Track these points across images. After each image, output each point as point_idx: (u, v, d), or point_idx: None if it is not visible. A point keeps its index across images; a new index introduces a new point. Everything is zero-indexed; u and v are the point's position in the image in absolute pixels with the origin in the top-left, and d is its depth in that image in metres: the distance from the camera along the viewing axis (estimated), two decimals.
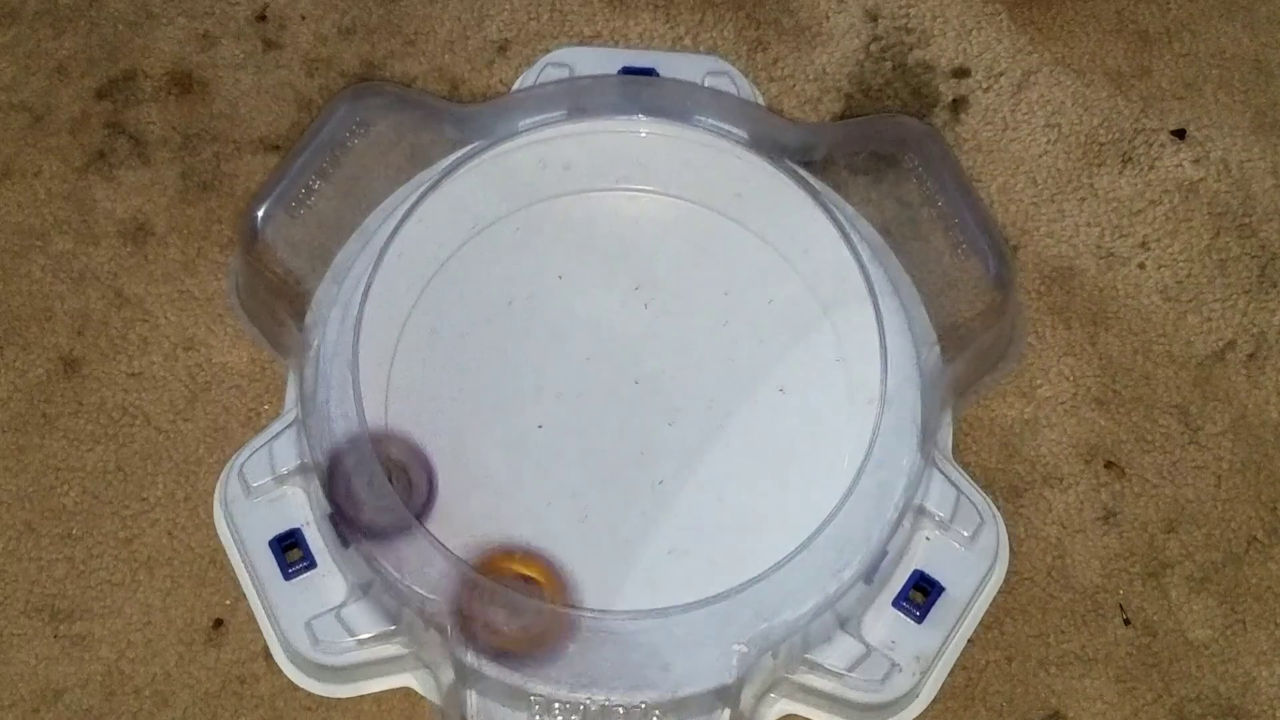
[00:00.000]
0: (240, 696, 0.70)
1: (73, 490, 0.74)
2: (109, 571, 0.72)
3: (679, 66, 0.82)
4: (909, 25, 0.86)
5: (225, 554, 0.72)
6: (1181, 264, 0.80)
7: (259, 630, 0.71)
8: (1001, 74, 0.85)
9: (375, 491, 0.68)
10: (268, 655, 0.71)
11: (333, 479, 0.69)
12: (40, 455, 0.74)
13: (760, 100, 0.83)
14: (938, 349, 0.74)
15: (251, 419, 0.75)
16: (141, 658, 0.71)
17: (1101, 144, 0.83)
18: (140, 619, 0.71)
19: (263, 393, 0.76)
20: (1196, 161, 0.83)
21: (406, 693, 0.70)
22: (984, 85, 0.85)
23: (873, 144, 0.78)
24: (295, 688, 0.70)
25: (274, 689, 0.70)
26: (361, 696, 0.70)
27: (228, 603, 0.72)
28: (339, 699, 0.70)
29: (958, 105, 0.84)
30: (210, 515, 0.73)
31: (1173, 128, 0.84)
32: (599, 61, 0.82)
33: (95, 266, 0.79)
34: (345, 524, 0.68)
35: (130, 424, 0.75)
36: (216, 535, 0.73)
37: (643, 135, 0.78)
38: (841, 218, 0.75)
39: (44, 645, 0.71)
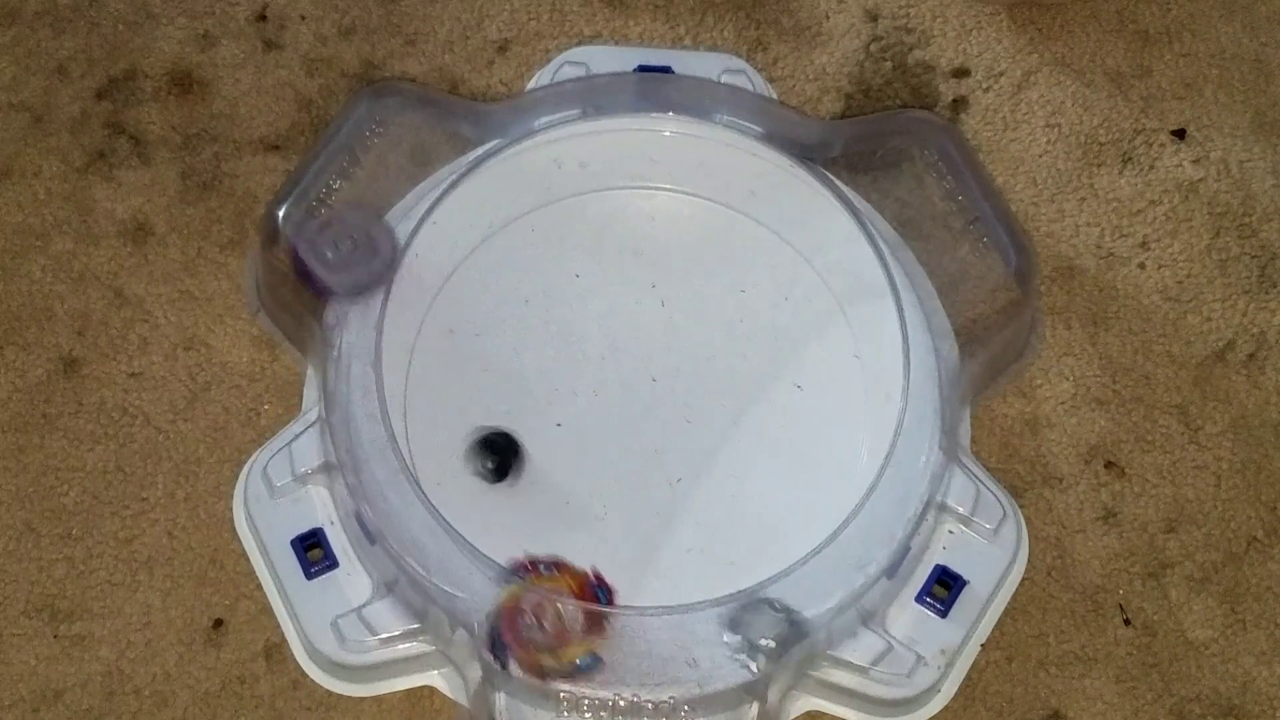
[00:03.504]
0: (240, 696, 0.70)
1: (73, 490, 0.74)
2: (109, 571, 0.72)
3: (695, 64, 0.82)
4: (909, 25, 0.86)
5: (227, 553, 0.72)
6: (1181, 264, 0.80)
7: (260, 630, 0.71)
8: (1001, 74, 0.85)
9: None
10: (269, 655, 0.70)
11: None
12: (40, 455, 0.74)
13: (774, 97, 0.83)
14: (956, 345, 0.74)
15: (251, 419, 0.75)
16: (141, 658, 0.71)
17: (1101, 144, 0.83)
18: (140, 619, 0.71)
19: (263, 393, 0.76)
20: (1196, 161, 0.83)
21: (407, 694, 0.70)
22: (984, 85, 0.85)
23: (889, 139, 0.78)
24: (296, 687, 0.70)
25: (274, 689, 0.70)
26: (362, 698, 0.70)
27: (228, 603, 0.72)
28: (339, 700, 0.70)
29: (958, 105, 0.84)
30: (211, 515, 0.73)
31: (1173, 128, 0.84)
32: (615, 59, 0.82)
33: (95, 266, 0.79)
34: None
35: (130, 424, 0.75)
36: (217, 535, 0.73)
37: (660, 133, 0.78)
38: (858, 213, 0.76)
39: (44, 645, 0.71)
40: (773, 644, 0.66)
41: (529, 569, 0.68)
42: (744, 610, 0.67)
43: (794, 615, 0.67)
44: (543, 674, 0.66)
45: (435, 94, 0.82)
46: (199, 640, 0.71)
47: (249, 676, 0.70)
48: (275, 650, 0.71)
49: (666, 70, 0.81)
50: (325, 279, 0.72)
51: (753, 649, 0.66)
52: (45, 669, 0.70)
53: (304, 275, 0.72)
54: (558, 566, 0.68)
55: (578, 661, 0.66)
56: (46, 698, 0.70)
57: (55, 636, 0.71)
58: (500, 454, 0.72)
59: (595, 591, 0.68)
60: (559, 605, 0.66)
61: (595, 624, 0.66)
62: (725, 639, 0.67)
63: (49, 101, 0.83)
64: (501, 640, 0.66)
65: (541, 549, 0.69)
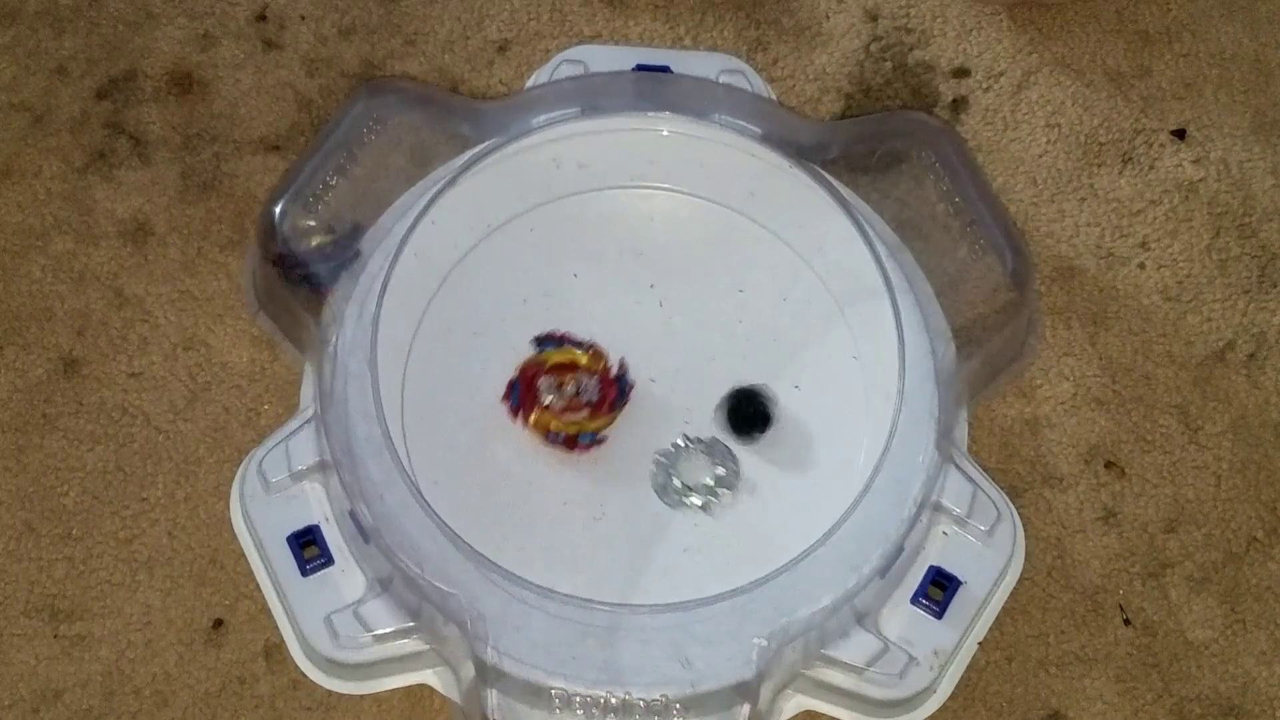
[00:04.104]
0: (240, 696, 0.70)
1: (73, 490, 0.74)
2: (109, 571, 0.72)
3: (693, 64, 0.82)
4: (909, 25, 0.86)
5: (226, 554, 0.72)
6: (1181, 264, 0.80)
7: (259, 630, 0.71)
8: (1001, 74, 0.85)
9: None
10: (269, 655, 0.71)
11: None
12: (40, 455, 0.74)
13: (773, 98, 0.83)
14: (953, 346, 0.74)
15: (251, 419, 0.75)
16: (141, 658, 0.71)
17: (1101, 144, 0.83)
18: (140, 619, 0.71)
19: (262, 393, 0.76)
20: (1196, 161, 0.83)
21: (407, 693, 0.70)
22: (984, 85, 0.85)
23: (888, 141, 0.78)
24: (295, 687, 0.70)
25: (274, 689, 0.70)
26: (362, 697, 0.70)
27: (228, 603, 0.72)
28: (339, 700, 0.70)
29: (958, 105, 0.84)
30: (211, 515, 0.73)
31: (1173, 128, 0.84)
32: (613, 59, 0.83)
33: (95, 266, 0.79)
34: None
35: (130, 424, 0.75)
36: (217, 535, 0.73)
37: (658, 133, 0.78)
38: (857, 214, 0.76)
39: (44, 645, 0.71)
40: (765, 642, 0.66)
41: (563, 340, 0.73)
42: (677, 456, 0.71)
43: (725, 460, 0.71)
44: (546, 434, 0.72)
45: (433, 92, 0.82)
46: (199, 640, 0.71)
47: (249, 676, 0.70)
48: (275, 650, 0.71)
49: (665, 70, 0.81)
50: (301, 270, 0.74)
51: (684, 491, 0.70)
52: (45, 669, 0.70)
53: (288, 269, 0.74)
54: (592, 348, 0.73)
55: (580, 434, 0.71)
56: (46, 698, 0.70)
57: (55, 636, 0.71)
58: (754, 408, 0.73)
59: (617, 379, 0.72)
60: (579, 376, 0.71)
61: (606, 406, 0.71)
62: (659, 489, 0.71)
63: (49, 101, 0.83)
64: (519, 392, 0.72)
65: (539, 547, 0.70)
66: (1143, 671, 0.71)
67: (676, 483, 0.71)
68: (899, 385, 0.71)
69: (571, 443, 0.71)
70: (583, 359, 0.72)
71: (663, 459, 0.72)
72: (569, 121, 0.78)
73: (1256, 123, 0.84)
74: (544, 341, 0.73)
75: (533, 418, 0.72)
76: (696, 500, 0.71)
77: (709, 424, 0.73)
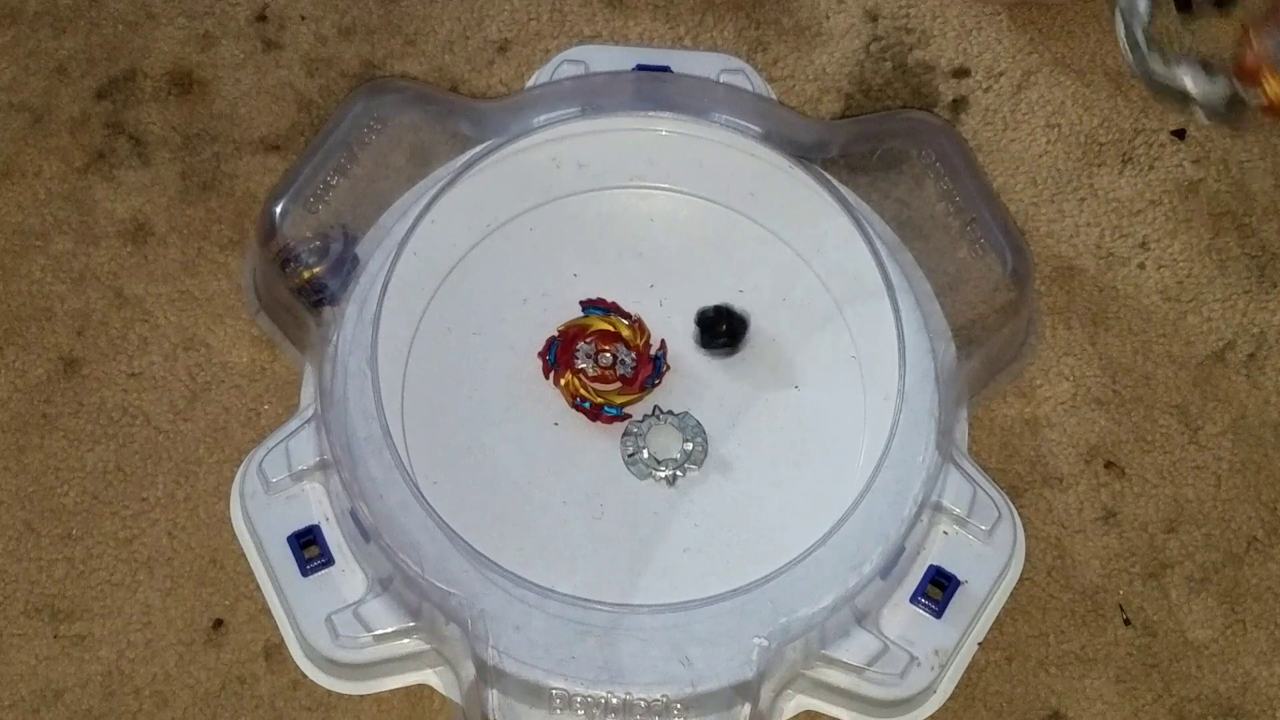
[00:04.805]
0: (240, 696, 0.70)
1: (73, 490, 0.74)
2: (109, 571, 0.72)
3: (693, 64, 0.82)
4: (909, 25, 0.86)
5: (226, 554, 0.72)
6: (1181, 264, 0.80)
7: (259, 630, 0.71)
8: (1001, 74, 0.85)
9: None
10: (269, 655, 0.71)
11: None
12: (40, 455, 0.74)
13: (774, 97, 0.83)
14: (953, 346, 0.74)
15: (251, 419, 0.75)
16: (141, 658, 0.71)
17: (1101, 144, 0.83)
18: (140, 619, 0.71)
19: (263, 393, 0.76)
20: (1196, 161, 0.83)
21: (407, 693, 0.70)
22: (984, 85, 0.85)
23: (888, 140, 0.78)
24: (295, 687, 0.70)
25: (274, 689, 0.70)
26: (362, 697, 0.70)
27: (228, 603, 0.72)
28: (339, 700, 0.70)
29: (958, 105, 0.84)
30: (211, 515, 0.73)
31: (1173, 128, 0.84)
32: (614, 58, 0.83)
33: (95, 266, 0.79)
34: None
35: (130, 424, 0.75)
36: (217, 535, 0.73)
37: (658, 133, 0.78)
38: (857, 214, 0.76)
39: (44, 645, 0.71)
40: (765, 641, 0.66)
41: (610, 307, 0.74)
42: (649, 427, 0.72)
43: (694, 435, 0.72)
44: (573, 399, 0.73)
45: (433, 92, 0.82)
46: (199, 640, 0.71)
47: (249, 676, 0.70)
48: (275, 650, 0.71)
49: (665, 70, 0.81)
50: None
51: (652, 463, 0.72)
52: (45, 669, 0.70)
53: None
54: (636, 322, 0.74)
55: (605, 406, 0.73)
56: (46, 698, 0.70)
57: (55, 636, 0.71)
58: (730, 324, 0.74)
59: (654, 358, 0.73)
60: (618, 348, 0.73)
61: (638, 383, 0.73)
62: (628, 457, 0.72)
63: (49, 101, 0.83)
64: (556, 351, 0.73)
65: (539, 547, 0.70)
66: (1143, 671, 0.71)
67: (645, 454, 0.72)
68: (899, 385, 0.71)
69: (596, 412, 0.72)
70: (625, 330, 0.73)
71: (634, 430, 0.72)
72: (569, 121, 0.78)
73: (1256, 122, 0.84)
74: (590, 306, 0.74)
75: (564, 380, 0.72)
76: (663, 472, 0.72)
77: (708, 424, 0.73)
